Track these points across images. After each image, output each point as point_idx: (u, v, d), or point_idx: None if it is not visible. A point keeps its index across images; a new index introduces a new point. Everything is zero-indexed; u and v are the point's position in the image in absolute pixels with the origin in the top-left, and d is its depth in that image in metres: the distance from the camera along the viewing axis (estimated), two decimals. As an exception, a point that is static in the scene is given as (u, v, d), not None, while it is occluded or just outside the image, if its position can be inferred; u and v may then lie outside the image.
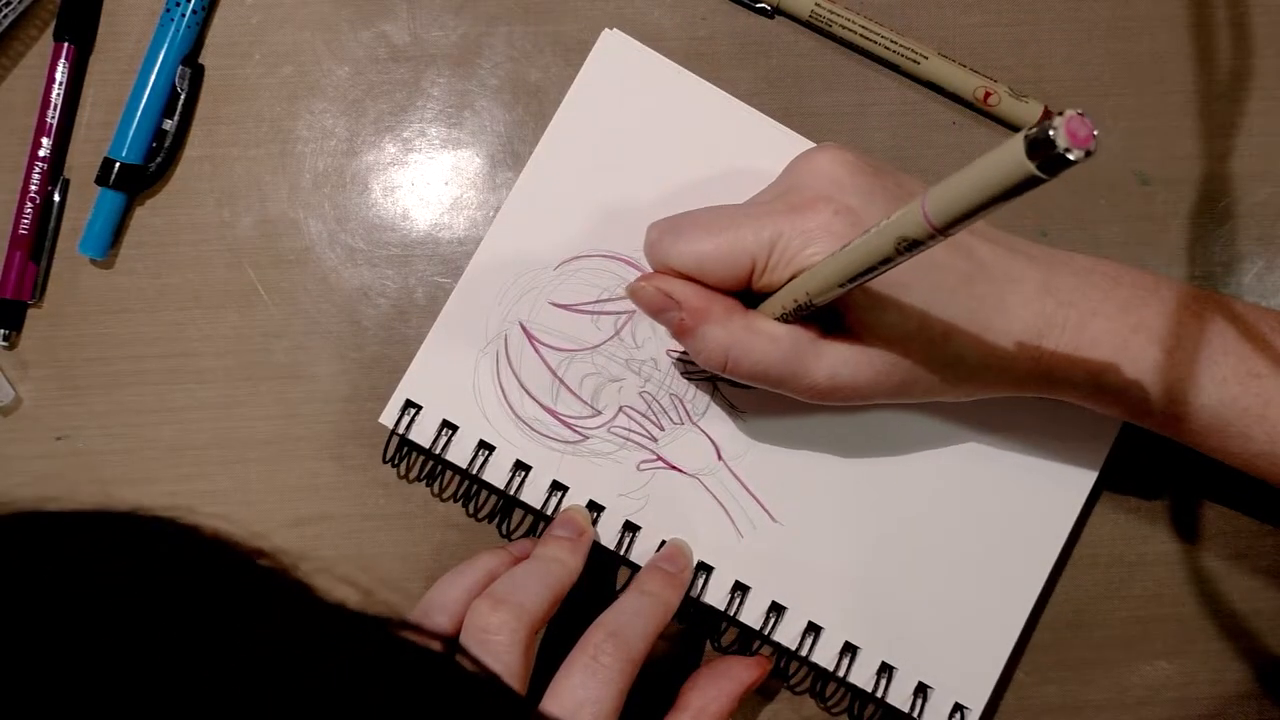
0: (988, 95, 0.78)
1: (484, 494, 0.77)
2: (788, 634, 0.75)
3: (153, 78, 0.76)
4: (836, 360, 0.63)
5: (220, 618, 0.34)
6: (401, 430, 0.74)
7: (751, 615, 0.75)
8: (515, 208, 0.75)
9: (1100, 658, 0.79)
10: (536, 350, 0.74)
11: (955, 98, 0.79)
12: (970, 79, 0.78)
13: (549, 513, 0.75)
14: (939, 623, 0.75)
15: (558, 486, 0.75)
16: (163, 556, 0.36)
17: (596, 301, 0.75)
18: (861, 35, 0.78)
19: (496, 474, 0.75)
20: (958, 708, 0.74)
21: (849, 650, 0.75)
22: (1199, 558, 0.80)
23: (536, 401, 0.74)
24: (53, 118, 0.76)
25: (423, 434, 0.74)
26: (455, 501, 0.77)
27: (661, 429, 0.75)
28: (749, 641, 0.77)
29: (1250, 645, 0.80)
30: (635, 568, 0.75)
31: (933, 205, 0.48)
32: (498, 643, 0.63)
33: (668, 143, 0.76)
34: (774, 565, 0.75)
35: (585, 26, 0.78)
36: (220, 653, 0.33)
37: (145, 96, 0.76)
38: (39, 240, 0.76)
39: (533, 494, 0.75)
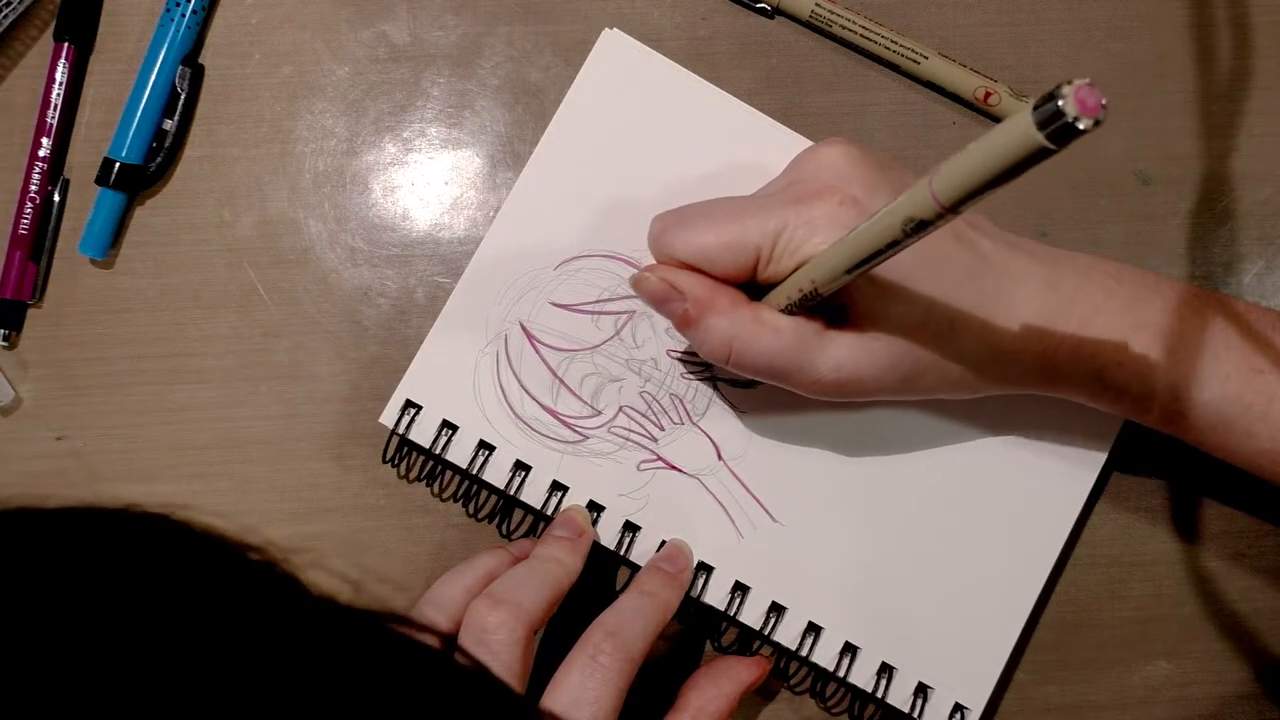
0: (988, 95, 0.78)
1: (484, 494, 0.77)
2: (788, 634, 0.75)
3: (153, 78, 0.76)
4: (842, 352, 0.63)
5: (211, 613, 0.34)
6: (401, 430, 0.74)
7: (751, 615, 0.75)
8: (515, 207, 0.75)
9: (1100, 658, 0.79)
10: (536, 350, 0.74)
11: (955, 98, 0.79)
12: (970, 79, 0.78)
13: (549, 513, 0.75)
14: (939, 623, 0.75)
15: (558, 486, 0.75)
16: (154, 552, 0.37)
17: (597, 301, 0.75)
18: (861, 35, 0.78)
19: (496, 474, 0.75)
20: (958, 708, 0.74)
21: (849, 650, 0.75)
22: (1199, 558, 0.80)
23: (536, 401, 0.74)
24: (53, 118, 0.76)
25: (423, 434, 0.74)
26: (455, 501, 0.77)
27: (662, 429, 0.75)
28: (749, 641, 0.77)
29: (1250, 645, 0.80)
30: (635, 568, 0.75)
31: (940, 182, 0.48)
32: (496, 642, 0.63)
33: (667, 142, 0.76)
34: (774, 565, 0.75)
35: (585, 26, 0.78)
36: (210, 647, 0.33)
37: (145, 96, 0.76)
38: (39, 240, 0.76)
39: (533, 494, 0.75)
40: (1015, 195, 0.77)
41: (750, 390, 0.75)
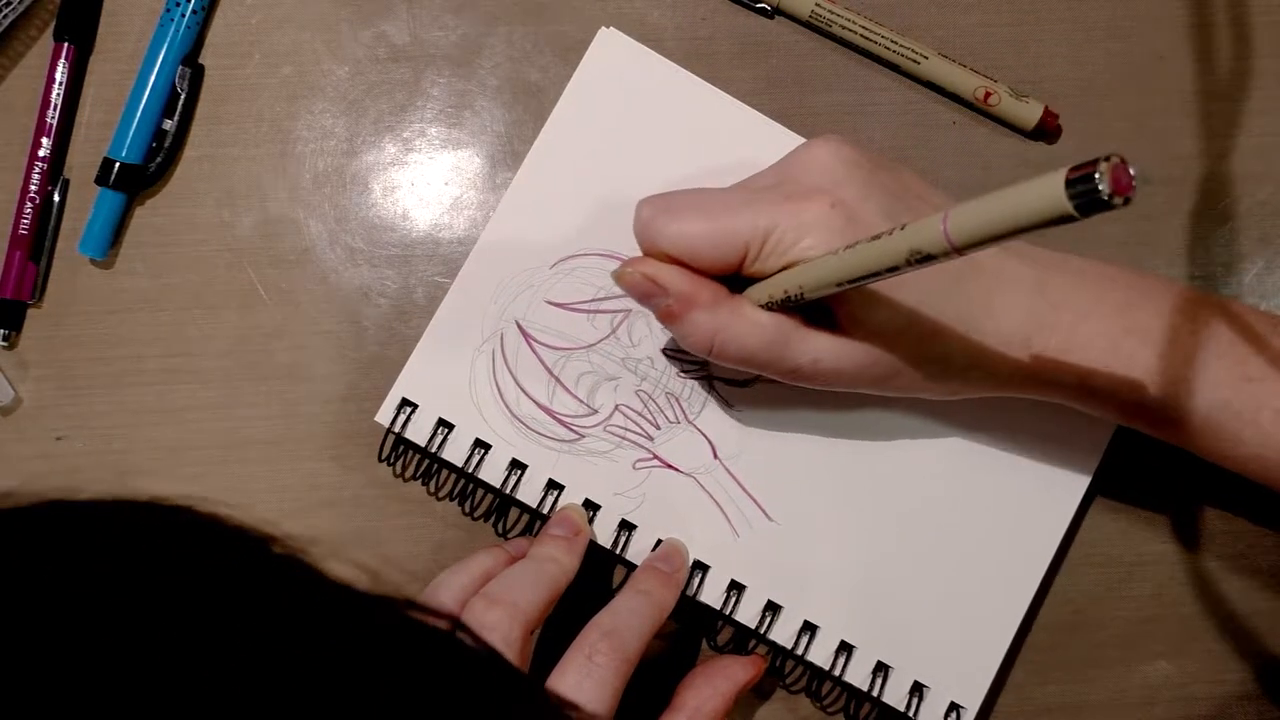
0: (988, 95, 0.78)
1: (480, 493, 0.77)
2: (783, 633, 0.75)
3: (153, 78, 0.76)
4: (821, 349, 0.63)
5: (239, 601, 0.35)
6: (397, 429, 0.74)
7: (747, 614, 0.75)
8: (511, 206, 0.76)
9: (1100, 658, 0.79)
10: (533, 349, 0.75)
11: (955, 98, 0.79)
12: (970, 79, 0.78)
13: (545, 511, 0.75)
14: (935, 622, 0.75)
15: (554, 485, 0.75)
16: (184, 542, 0.38)
17: (593, 300, 0.75)
18: (861, 35, 0.78)
19: (493, 473, 0.75)
20: (953, 707, 0.74)
21: (845, 649, 0.75)
22: (1198, 558, 0.79)
23: (533, 400, 0.75)
24: (53, 118, 0.76)
25: (419, 433, 0.75)
26: (451, 500, 0.77)
27: (658, 427, 0.75)
28: (745, 640, 0.77)
29: (1250, 645, 0.79)
30: (631, 567, 0.75)
31: (956, 225, 0.48)
32: (493, 641, 0.63)
33: (664, 141, 0.76)
34: (770, 564, 0.75)
35: (585, 26, 0.78)
36: (240, 634, 0.33)
37: (145, 96, 0.76)
38: (39, 240, 0.77)
39: (529, 493, 0.75)
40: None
41: (746, 389, 0.75)
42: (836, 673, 0.75)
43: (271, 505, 0.77)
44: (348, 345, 0.78)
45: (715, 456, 0.75)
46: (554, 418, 0.75)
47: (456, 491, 0.77)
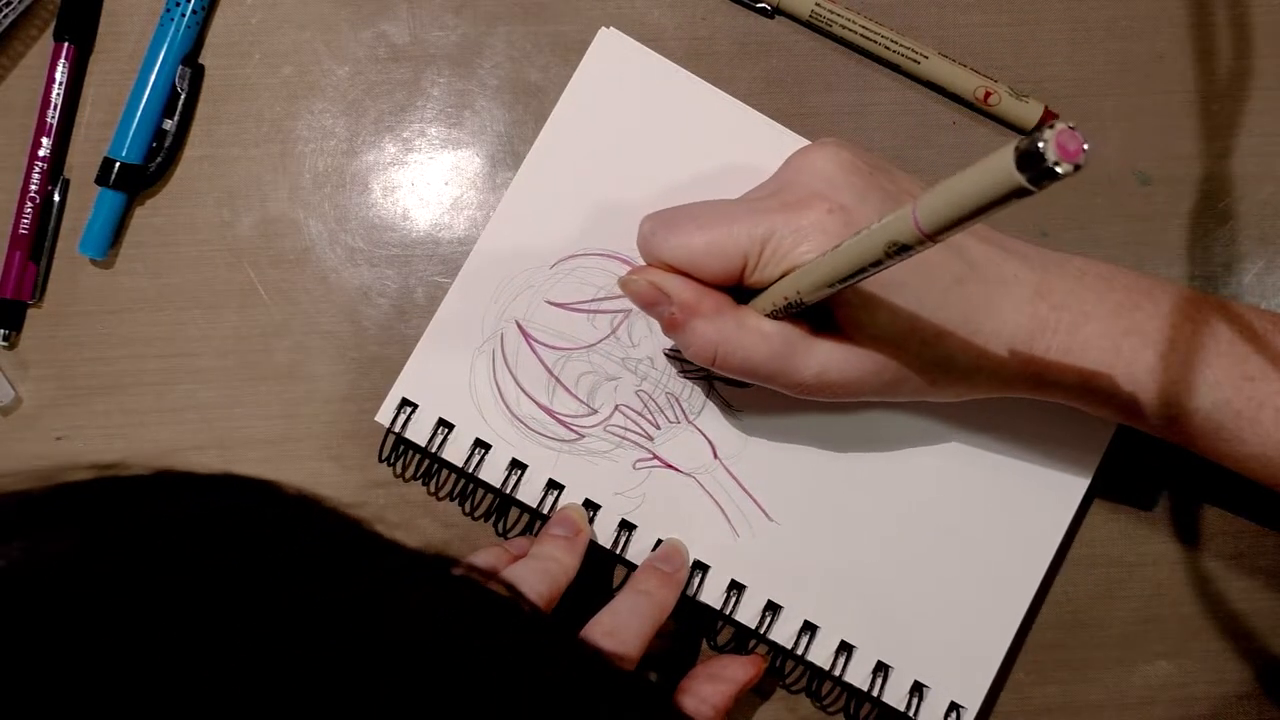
0: (988, 95, 0.78)
1: (480, 492, 0.77)
2: (783, 633, 0.75)
3: (153, 78, 0.76)
4: (825, 358, 0.63)
5: (326, 565, 0.36)
6: (397, 429, 0.74)
7: (747, 614, 0.75)
8: (511, 207, 0.76)
9: (1100, 658, 0.79)
10: (533, 349, 0.75)
11: (955, 98, 0.79)
12: (970, 79, 0.78)
13: (545, 511, 0.75)
14: (935, 622, 0.75)
15: (554, 485, 0.75)
16: (288, 508, 0.39)
17: (593, 300, 0.75)
18: (861, 35, 0.78)
19: (493, 472, 0.75)
20: (953, 707, 0.74)
21: (845, 649, 0.75)
22: (1198, 558, 0.79)
23: (533, 400, 0.75)
24: (53, 118, 0.76)
25: (419, 432, 0.75)
26: (451, 500, 0.77)
27: (658, 427, 0.75)
28: (745, 640, 0.77)
29: (1250, 645, 0.80)
30: (631, 566, 0.75)
31: (923, 212, 0.48)
32: None
33: (664, 141, 0.76)
34: (770, 564, 0.75)
35: (585, 26, 0.78)
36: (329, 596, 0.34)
37: (145, 96, 0.76)
38: (39, 240, 0.77)
39: (529, 492, 0.75)
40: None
41: (746, 389, 0.75)
42: (836, 673, 0.75)
43: (271, 505, 0.77)
44: (348, 345, 0.78)
45: (715, 456, 0.75)
46: (554, 418, 0.75)
47: (456, 491, 0.77)
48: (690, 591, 0.74)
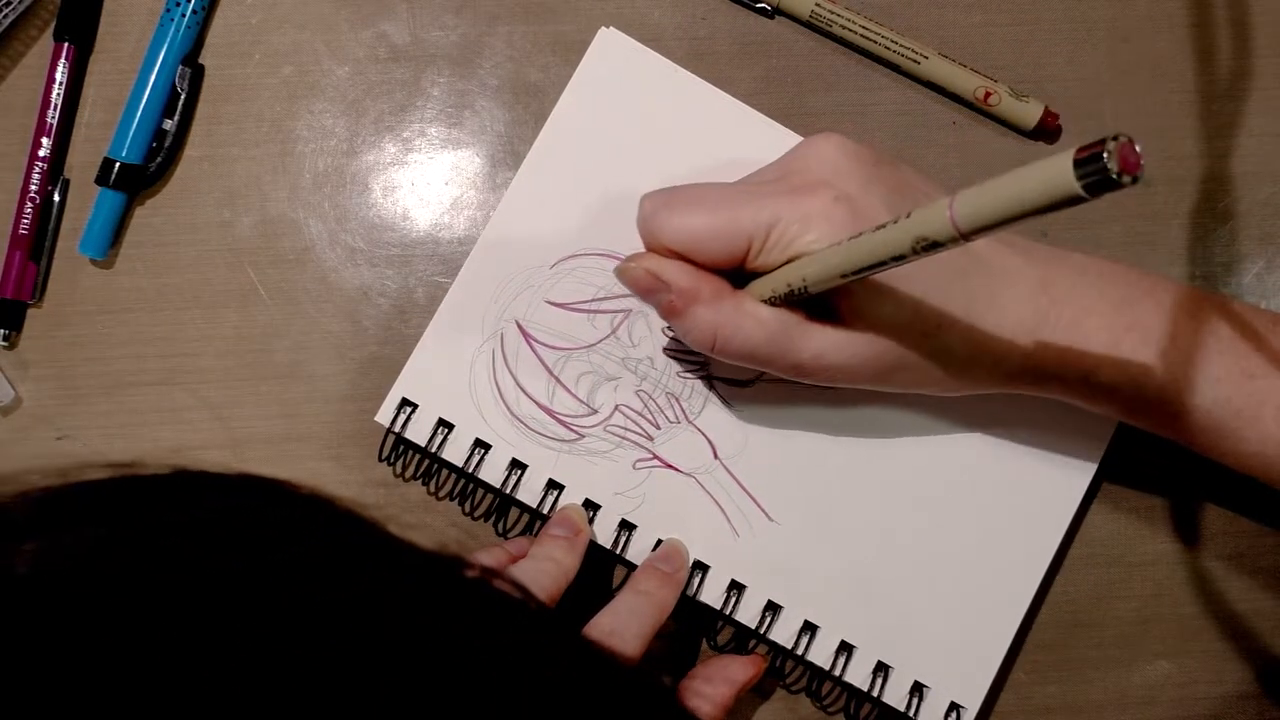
0: (988, 95, 0.78)
1: (480, 493, 0.77)
2: (784, 633, 0.75)
3: (153, 78, 0.76)
4: (824, 344, 0.63)
5: (342, 563, 0.36)
6: (397, 429, 0.74)
7: (747, 614, 0.75)
8: (511, 206, 0.76)
9: (1100, 658, 0.79)
10: (533, 349, 0.75)
11: (955, 98, 0.79)
12: (970, 79, 0.78)
13: (545, 511, 0.75)
14: (935, 622, 0.75)
15: (554, 485, 0.75)
16: (304, 509, 0.40)
17: (593, 300, 0.75)
18: (861, 35, 0.78)
19: (493, 473, 0.75)
20: (954, 707, 0.74)
21: (845, 649, 0.75)
22: (1199, 557, 0.79)
23: (532, 400, 0.75)
24: (53, 118, 0.76)
25: (419, 432, 0.75)
26: (451, 500, 0.77)
27: (658, 427, 0.75)
28: (745, 640, 0.77)
29: (1250, 645, 0.79)
30: (631, 567, 0.75)
31: (962, 210, 0.48)
32: None
33: (663, 141, 0.76)
34: (770, 564, 0.75)
35: (585, 26, 0.78)
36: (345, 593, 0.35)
37: (145, 96, 0.76)
38: (39, 240, 0.77)
39: (529, 493, 0.75)
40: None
41: (746, 389, 0.75)
42: (836, 673, 0.75)
43: (271, 505, 0.77)
44: (348, 345, 0.78)
45: (715, 456, 0.75)
46: (554, 418, 0.75)
47: (456, 491, 0.77)
48: (690, 591, 0.74)
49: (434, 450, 0.74)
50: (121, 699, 0.29)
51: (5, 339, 0.76)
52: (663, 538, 0.75)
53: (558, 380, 0.75)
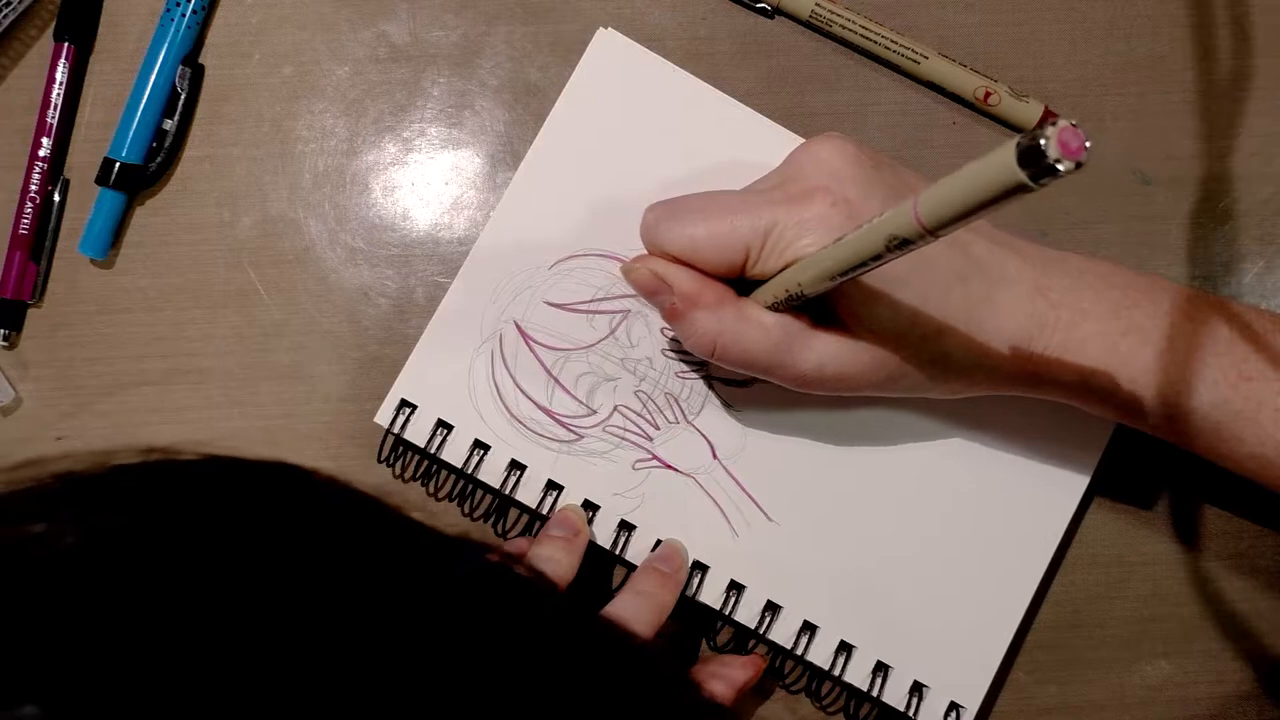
0: (988, 95, 0.78)
1: (479, 493, 0.77)
2: (783, 633, 0.75)
3: (153, 78, 0.76)
4: (825, 352, 0.63)
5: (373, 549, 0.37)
6: (396, 430, 0.74)
7: (747, 614, 0.75)
8: (510, 207, 0.76)
9: (1100, 658, 0.79)
10: (531, 349, 0.75)
11: (955, 98, 0.79)
12: (970, 79, 0.78)
13: (544, 512, 0.75)
14: (935, 622, 0.75)
15: (553, 486, 0.75)
16: (331, 496, 0.40)
17: (591, 301, 0.75)
18: (861, 35, 0.78)
19: (492, 473, 0.75)
20: (953, 706, 0.74)
21: (844, 649, 0.75)
22: (1198, 557, 0.79)
23: (532, 401, 0.75)
24: (53, 118, 0.76)
25: (418, 433, 0.75)
26: (451, 501, 0.77)
27: (657, 428, 0.75)
28: (744, 640, 0.77)
29: (1250, 645, 0.79)
30: (631, 567, 0.75)
31: (924, 206, 0.48)
32: None
33: (662, 141, 0.76)
34: (769, 564, 0.75)
35: (585, 26, 0.78)
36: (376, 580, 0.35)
37: (145, 96, 0.76)
38: (39, 240, 0.77)
39: (528, 493, 0.75)
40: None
41: (745, 389, 0.75)
42: (836, 673, 0.75)
43: (271, 505, 0.77)
44: (348, 345, 0.78)
45: (714, 456, 0.75)
46: (553, 418, 0.75)
47: (456, 492, 0.77)
48: (690, 592, 0.74)
49: (433, 451, 0.74)
50: (153, 681, 0.29)
51: (5, 339, 0.76)
52: (662, 538, 0.75)
53: (557, 381, 0.75)
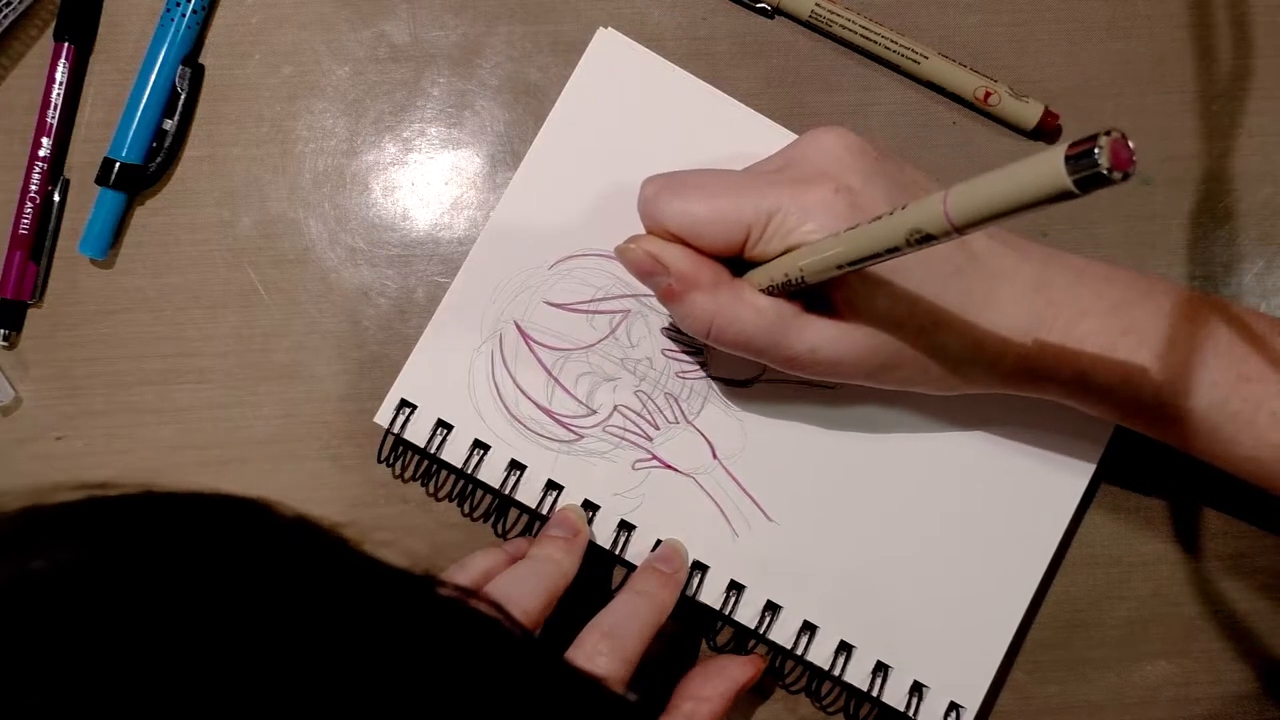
0: (988, 95, 0.78)
1: (479, 493, 0.77)
2: (783, 633, 0.75)
3: (153, 78, 0.76)
4: (820, 336, 0.63)
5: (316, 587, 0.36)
6: (396, 430, 0.74)
7: (746, 614, 0.75)
8: (510, 207, 0.76)
9: (1100, 658, 0.79)
10: (531, 349, 0.75)
11: (955, 98, 0.79)
12: (970, 79, 0.78)
13: (544, 512, 0.75)
14: (935, 622, 0.75)
15: (553, 486, 0.75)
16: (271, 530, 0.39)
17: (591, 301, 0.75)
18: (861, 35, 0.78)
19: (492, 473, 0.75)
20: (953, 707, 0.74)
21: (844, 649, 0.75)
22: (1198, 557, 0.79)
23: (531, 401, 0.75)
24: (53, 118, 0.76)
25: (418, 433, 0.75)
26: (451, 501, 0.77)
27: (657, 428, 0.75)
28: (744, 640, 0.77)
29: (1250, 645, 0.79)
30: (631, 567, 0.75)
31: (956, 204, 0.48)
32: None
33: (662, 141, 0.76)
34: (769, 564, 0.75)
35: (585, 26, 0.78)
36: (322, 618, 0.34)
37: (145, 96, 0.76)
38: (39, 240, 0.77)
39: (528, 493, 0.75)
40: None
41: (745, 389, 0.75)
42: (836, 673, 0.75)
43: (271, 505, 0.77)
44: (348, 345, 0.78)
45: (714, 457, 0.75)
46: (553, 418, 0.75)
47: (456, 492, 0.77)
48: (690, 592, 0.74)
49: (433, 451, 0.74)
50: None
51: (5, 339, 0.76)
52: (662, 538, 0.75)
53: (556, 381, 0.75)
